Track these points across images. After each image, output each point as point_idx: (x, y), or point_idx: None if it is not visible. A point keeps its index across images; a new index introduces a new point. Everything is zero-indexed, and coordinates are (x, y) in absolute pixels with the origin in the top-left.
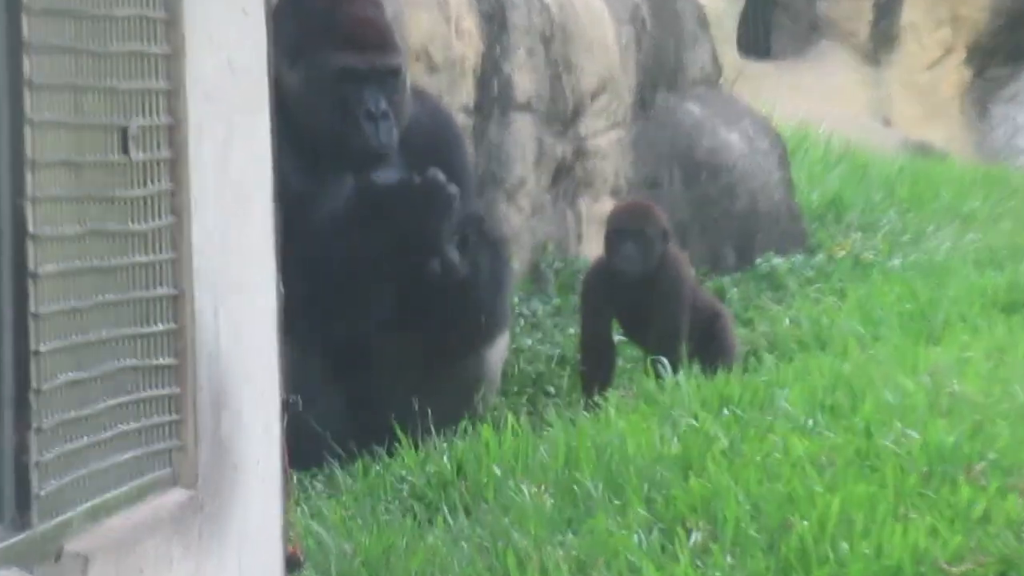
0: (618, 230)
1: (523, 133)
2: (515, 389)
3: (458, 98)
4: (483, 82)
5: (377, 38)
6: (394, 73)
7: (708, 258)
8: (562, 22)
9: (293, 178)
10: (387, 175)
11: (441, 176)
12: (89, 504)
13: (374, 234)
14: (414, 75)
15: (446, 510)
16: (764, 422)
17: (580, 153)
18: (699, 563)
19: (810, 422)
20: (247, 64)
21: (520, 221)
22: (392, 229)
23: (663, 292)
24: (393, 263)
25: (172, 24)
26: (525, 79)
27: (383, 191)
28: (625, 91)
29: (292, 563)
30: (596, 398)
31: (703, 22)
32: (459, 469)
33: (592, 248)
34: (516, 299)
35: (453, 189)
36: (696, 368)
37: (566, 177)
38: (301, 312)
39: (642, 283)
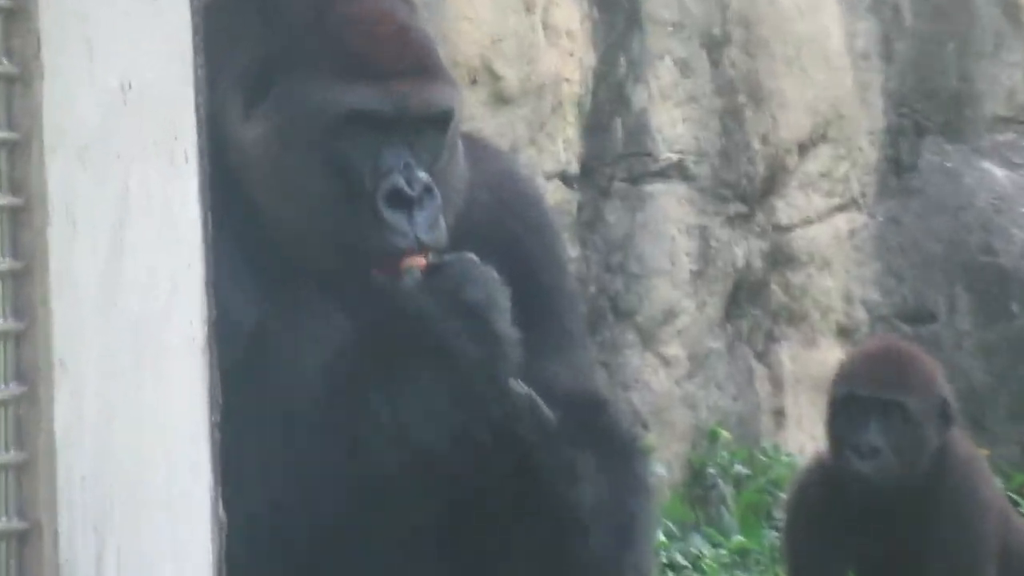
0: (855, 401)
1: (671, 219)
2: None
3: (549, 154)
4: (595, 124)
5: (411, 56)
6: (441, 120)
7: None
8: (742, 11)
9: (243, 307)
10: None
11: (469, 258)
12: None
13: (391, 407)
14: (466, 110)
15: None
16: None
17: (779, 256)
18: None
19: None
20: (158, 86)
21: (666, 384)
22: (431, 396)
23: (943, 521)
24: (434, 466)
25: (19, 16)
26: (674, 118)
27: (411, 320)
28: (863, 139)
29: None
30: None
31: (1013, 8)
32: None
33: (803, 436)
34: (660, 535)
35: (492, 278)
36: None
37: (753, 301)
38: (253, 561)
39: (901, 503)
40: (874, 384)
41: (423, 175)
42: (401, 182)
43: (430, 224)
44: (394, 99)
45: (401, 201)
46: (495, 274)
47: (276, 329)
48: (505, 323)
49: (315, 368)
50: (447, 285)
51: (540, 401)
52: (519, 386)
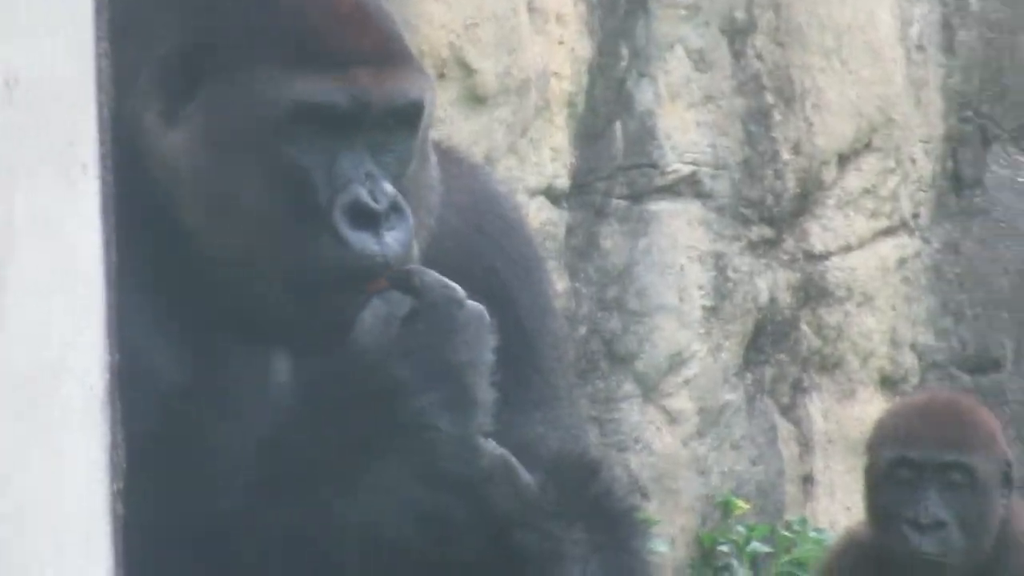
0: (908, 465)
1: (680, 246)
2: None
3: (533, 166)
4: (590, 129)
5: (372, 39)
6: (409, 116)
7: None
8: None
9: (161, 361)
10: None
11: (452, 290)
12: None
13: (354, 504)
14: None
15: None
16: None
17: (811, 291)
18: None
19: None
20: (51, 81)
21: (672, 445)
22: (400, 483)
23: None
24: (398, 556)
25: None
26: (686, 122)
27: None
28: (916, 149)
29: None
30: None
31: None
32: None
33: (836, 507)
34: None
35: (482, 323)
36: None
37: (778, 345)
38: None
39: None
40: (934, 444)
41: (389, 187)
42: (364, 194)
43: (400, 246)
44: (352, 90)
45: (365, 218)
46: (486, 316)
47: (202, 391)
48: (486, 385)
49: (251, 444)
50: (426, 340)
51: (517, 464)
52: (492, 447)
